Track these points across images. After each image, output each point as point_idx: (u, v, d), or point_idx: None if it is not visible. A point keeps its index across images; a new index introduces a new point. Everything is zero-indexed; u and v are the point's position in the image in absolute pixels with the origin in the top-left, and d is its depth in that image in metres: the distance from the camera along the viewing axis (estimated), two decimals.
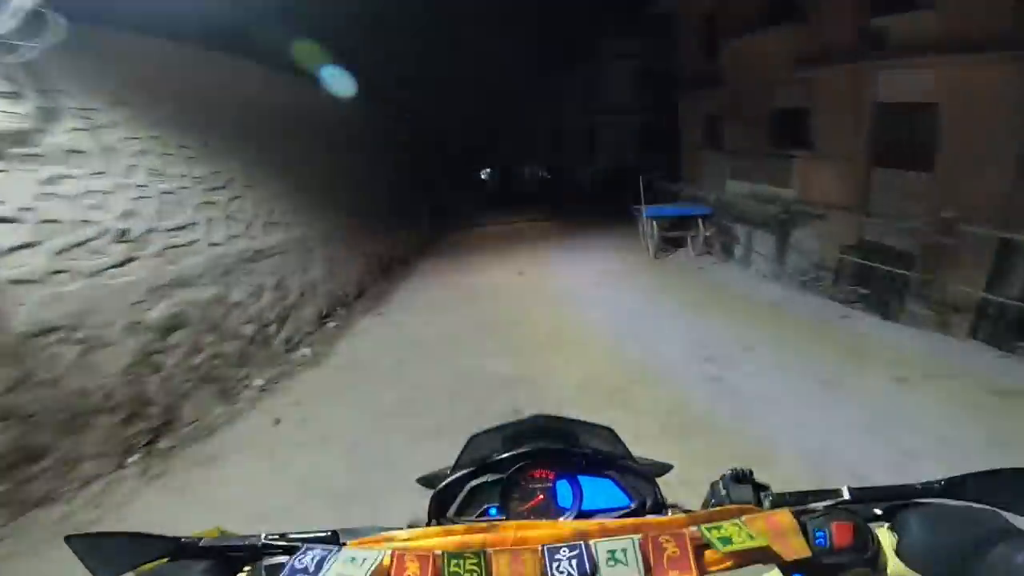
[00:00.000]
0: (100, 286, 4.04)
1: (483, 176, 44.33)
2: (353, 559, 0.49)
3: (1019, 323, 5.28)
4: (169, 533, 0.56)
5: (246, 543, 0.57)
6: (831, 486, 0.60)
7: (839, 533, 0.54)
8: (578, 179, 26.03)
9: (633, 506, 0.76)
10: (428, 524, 0.76)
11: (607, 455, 0.81)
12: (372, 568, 0.49)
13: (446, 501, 0.78)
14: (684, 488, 1.02)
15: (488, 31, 18.76)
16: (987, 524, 0.50)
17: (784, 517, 0.54)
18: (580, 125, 24.28)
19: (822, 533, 0.54)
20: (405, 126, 15.97)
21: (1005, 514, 0.52)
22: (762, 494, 0.65)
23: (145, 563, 0.53)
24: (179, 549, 0.55)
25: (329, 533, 0.58)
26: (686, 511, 0.67)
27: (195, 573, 0.54)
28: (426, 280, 10.55)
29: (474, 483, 0.79)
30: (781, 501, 0.61)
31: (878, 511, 0.58)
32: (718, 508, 0.59)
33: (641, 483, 0.79)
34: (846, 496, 0.59)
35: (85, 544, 0.53)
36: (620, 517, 0.71)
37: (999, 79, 5.49)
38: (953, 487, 0.55)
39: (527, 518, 0.74)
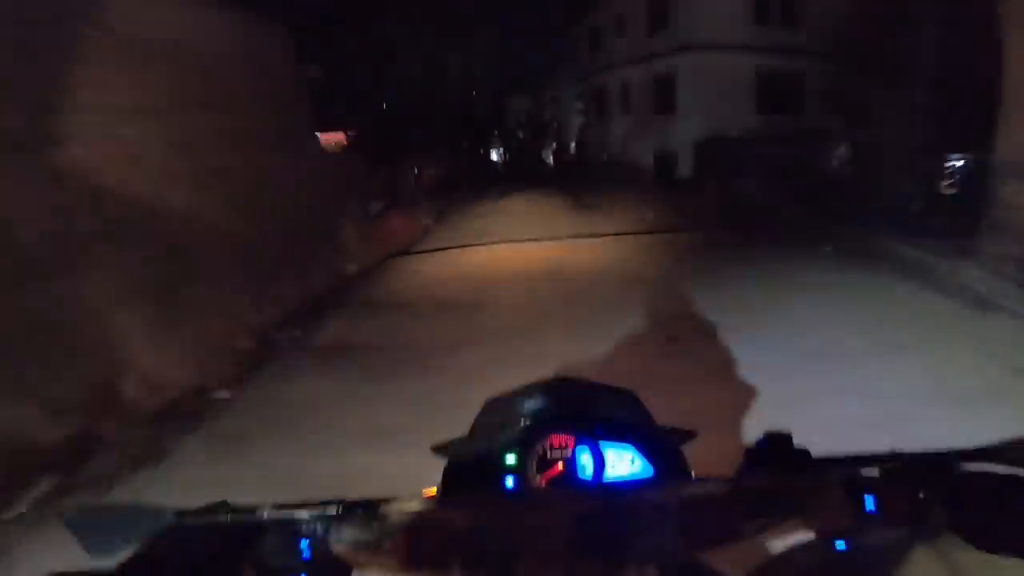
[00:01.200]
0: None
1: (494, 157, 40.38)
2: (364, 527, 0.48)
3: None
4: None
5: (252, 518, 0.52)
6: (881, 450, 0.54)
7: (891, 501, 0.48)
8: (635, 158, 20.97)
9: (657, 476, 0.73)
10: (443, 494, 0.73)
11: (628, 421, 0.82)
12: (382, 537, 0.48)
13: (462, 470, 0.76)
14: None
15: None
16: None
17: (827, 483, 0.50)
18: (640, 74, 18.60)
19: (872, 501, 0.48)
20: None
21: None
22: (803, 460, 0.57)
23: (142, 538, 0.49)
24: (179, 523, 0.51)
25: (338, 504, 0.52)
26: (714, 479, 0.59)
27: (195, 549, 0.49)
28: None
29: (491, 451, 0.74)
30: (824, 467, 0.55)
31: (937, 479, 0.50)
32: (753, 477, 0.56)
33: (664, 451, 0.75)
34: (901, 461, 0.52)
35: (80, 519, 0.51)
36: (644, 487, 0.66)
37: None
38: (1011, 452, 0.49)
39: (546, 490, 0.69)
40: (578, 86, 27.82)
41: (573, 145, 34.37)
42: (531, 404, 0.80)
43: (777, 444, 0.58)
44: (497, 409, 0.85)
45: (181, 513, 0.51)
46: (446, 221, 14.77)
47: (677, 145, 15.97)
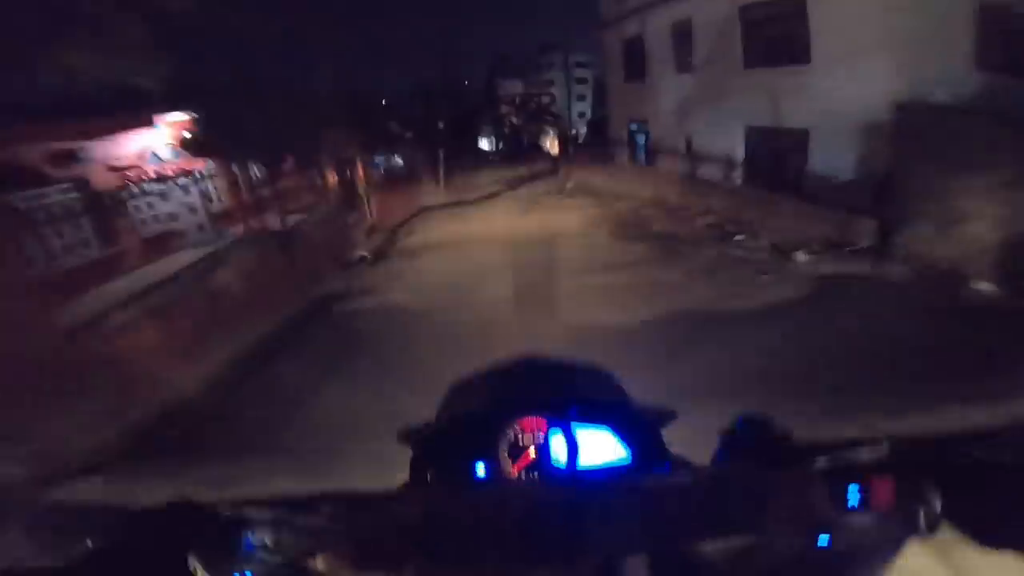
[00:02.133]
0: None
1: (483, 145, 33.35)
2: (330, 520, 0.47)
3: None
4: None
5: (210, 514, 0.50)
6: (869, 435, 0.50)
7: (877, 491, 0.46)
8: (699, 140, 13.98)
9: (633, 460, 0.68)
10: (411, 485, 0.68)
11: (604, 400, 0.76)
12: (349, 530, 0.47)
13: (428, 458, 0.70)
14: None
15: None
16: None
17: (806, 474, 0.48)
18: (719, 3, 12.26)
19: (856, 491, 0.46)
20: None
21: None
22: (783, 446, 0.54)
23: (101, 535, 0.48)
24: (137, 520, 0.50)
25: (304, 499, 0.51)
26: (692, 464, 0.63)
27: (151, 547, 0.47)
28: None
29: (459, 438, 0.70)
30: (806, 455, 0.51)
31: (927, 467, 0.48)
32: (732, 466, 0.55)
33: (642, 432, 0.70)
34: (887, 448, 0.49)
35: (41, 516, 0.52)
36: (621, 476, 0.64)
37: None
38: (1005, 436, 0.48)
39: (518, 479, 0.66)
40: (588, 45, 20.36)
41: (580, 131, 27.43)
42: (499, 386, 0.77)
43: (755, 429, 0.55)
44: (463, 392, 0.79)
45: (142, 511, 0.50)
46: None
47: (806, 120, 8.78)
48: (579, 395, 0.74)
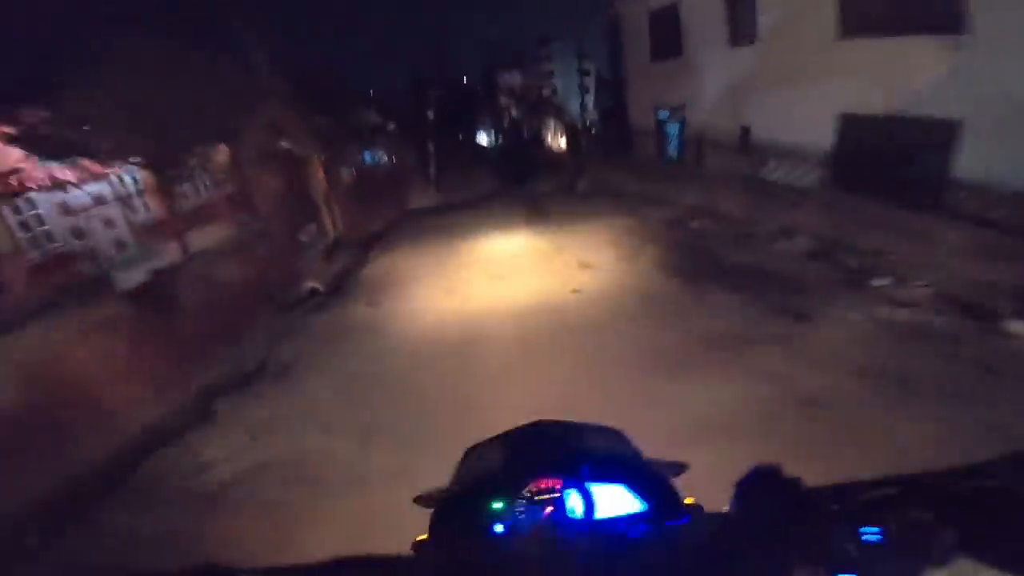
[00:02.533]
0: None
1: (482, 141, 30.83)
2: None
3: None
4: None
5: None
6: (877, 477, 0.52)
7: (890, 528, 0.46)
8: (761, 131, 10.91)
9: (649, 512, 0.70)
10: (432, 544, 0.70)
11: (617, 458, 0.78)
12: None
13: (449, 520, 0.72)
14: None
15: None
16: None
17: (824, 515, 0.49)
18: None
19: (871, 531, 0.47)
20: None
21: None
22: (795, 491, 0.54)
23: None
24: None
25: (330, 562, 0.51)
26: (706, 510, 0.64)
27: None
28: None
29: (478, 497, 0.72)
30: (816, 499, 0.53)
31: (938, 502, 0.48)
32: (748, 511, 0.54)
33: (655, 485, 0.72)
34: (895, 489, 0.50)
35: None
36: (638, 523, 0.68)
37: None
38: (1004, 469, 0.51)
39: (537, 537, 0.64)
40: (597, 27, 17.56)
41: (591, 122, 24.66)
42: (515, 448, 0.78)
43: (767, 476, 0.56)
44: (478, 456, 0.81)
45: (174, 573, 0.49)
46: None
47: (953, 108, 6.00)
48: (592, 454, 0.76)
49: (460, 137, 21.19)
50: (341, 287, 7.68)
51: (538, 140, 30.33)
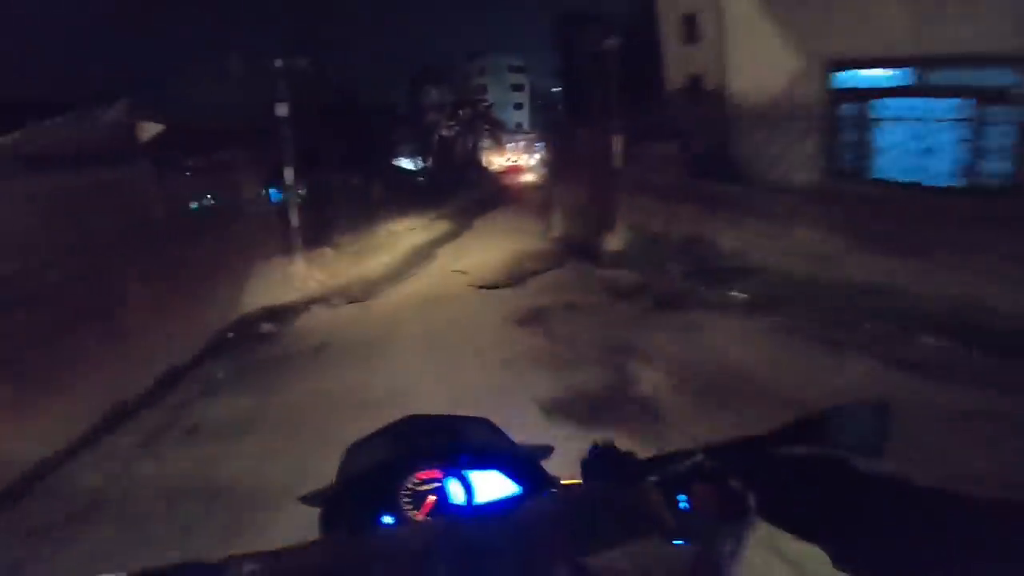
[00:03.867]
0: None
1: (407, 165, 26.20)
2: None
3: None
4: None
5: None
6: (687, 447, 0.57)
7: (700, 496, 0.51)
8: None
9: (524, 492, 0.75)
10: (321, 540, 0.71)
11: (490, 446, 0.82)
12: None
13: (336, 517, 0.73)
14: None
15: None
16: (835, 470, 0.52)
17: (643, 487, 0.54)
18: None
19: (684, 498, 0.52)
20: None
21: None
22: (627, 464, 0.62)
23: None
24: None
25: (226, 560, 0.51)
26: (573, 483, 0.69)
27: None
28: None
29: (363, 493, 0.75)
30: (642, 471, 0.59)
31: (738, 467, 0.53)
32: (591, 487, 0.62)
33: (526, 468, 0.77)
34: (700, 456, 0.56)
35: None
36: (513, 504, 0.71)
37: None
38: (803, 432, 0.55)
39: (423, 522, 0.72)
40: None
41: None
42: (396, 443, 0.80)
43: (605, 452, 0.62)
44: (361, 452, 0.83)
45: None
46: None
47: None
48: (466, 445, 0.79)
49: (372, 165, 15.99)
50: None
51: (473, 160, 25.97)
